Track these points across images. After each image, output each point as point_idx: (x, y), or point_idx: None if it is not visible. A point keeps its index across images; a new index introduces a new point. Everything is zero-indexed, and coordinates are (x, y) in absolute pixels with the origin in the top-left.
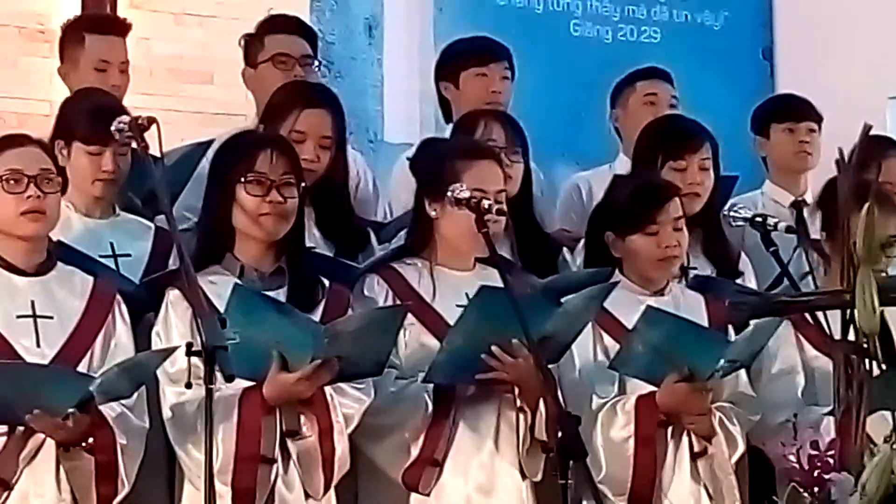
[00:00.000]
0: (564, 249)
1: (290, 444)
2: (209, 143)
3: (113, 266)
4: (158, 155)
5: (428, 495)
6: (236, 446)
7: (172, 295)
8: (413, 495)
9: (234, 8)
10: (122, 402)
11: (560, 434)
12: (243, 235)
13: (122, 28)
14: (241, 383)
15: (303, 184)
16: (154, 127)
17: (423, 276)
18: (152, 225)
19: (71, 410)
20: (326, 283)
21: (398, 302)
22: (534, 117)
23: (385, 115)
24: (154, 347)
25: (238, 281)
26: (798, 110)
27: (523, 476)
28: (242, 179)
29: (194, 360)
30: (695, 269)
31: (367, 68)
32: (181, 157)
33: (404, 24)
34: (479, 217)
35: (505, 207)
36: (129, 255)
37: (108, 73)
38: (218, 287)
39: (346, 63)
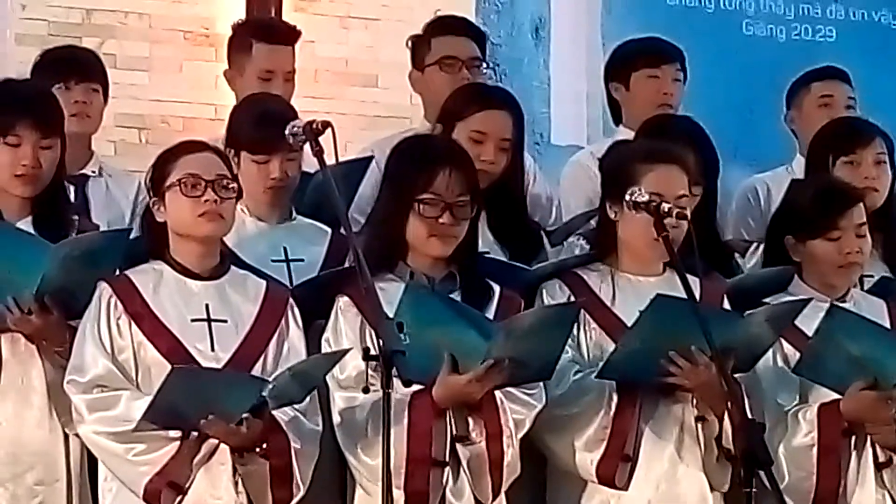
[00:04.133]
0: (736, 255)
1: (459, 449)
2: (369, 160)
3: (286, 270)
4: (334, 159)
5: (625, 489)
6: (407, 449)
7: (342, 302)
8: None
9: (400, 10)
10: (295, 405)
11: (745, 442)
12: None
13: (290, 36)
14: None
15: (475, 207)
16: (329, 131)
17: (605, 282)
18: (329, 230)
19: (244, 416)
20: (497, 288)
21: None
22: (706, 118)
23: (552, 117)
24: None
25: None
26: None
27: (711, 487)
28: (418, 198)
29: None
30: (871, 276)
31: (533, 70)
32: (340, 176)
33: (572, 25)
34: (658, 221)
35: (687, 212)
36: (301, 260)
37: (271, 83)
38: (387, 293)
39: (512, 64)
